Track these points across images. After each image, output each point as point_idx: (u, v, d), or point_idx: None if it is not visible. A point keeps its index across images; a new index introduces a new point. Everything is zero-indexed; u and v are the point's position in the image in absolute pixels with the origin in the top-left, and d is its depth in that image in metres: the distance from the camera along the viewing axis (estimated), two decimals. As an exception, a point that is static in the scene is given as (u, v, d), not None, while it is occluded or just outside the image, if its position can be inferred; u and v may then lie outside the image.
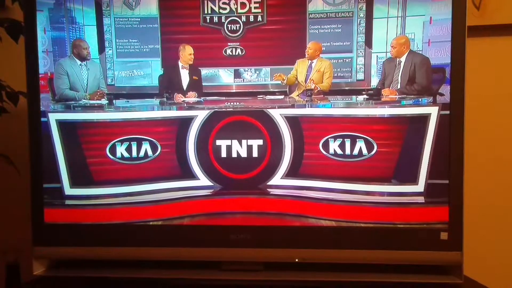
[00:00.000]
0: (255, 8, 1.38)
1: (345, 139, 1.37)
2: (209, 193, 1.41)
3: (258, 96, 1.42)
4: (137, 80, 1.44)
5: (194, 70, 1.43)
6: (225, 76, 1.42)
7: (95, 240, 1.40)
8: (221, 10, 1.38)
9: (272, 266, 1.39)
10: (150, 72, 1.43)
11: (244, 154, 1.39)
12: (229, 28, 1.39)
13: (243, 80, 1.42)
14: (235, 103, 1.40)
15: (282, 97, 1.42)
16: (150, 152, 1.41)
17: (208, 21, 1.39)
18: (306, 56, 1.39)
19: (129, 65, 1.43)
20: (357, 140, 1.36)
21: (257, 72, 1.41)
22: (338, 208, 1.38)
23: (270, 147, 1.39)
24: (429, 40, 1.34)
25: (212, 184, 1.41)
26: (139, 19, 1.41)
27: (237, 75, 1.42)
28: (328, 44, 1.38)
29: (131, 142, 1.41)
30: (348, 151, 1.37)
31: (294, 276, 1.37)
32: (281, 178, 1.39)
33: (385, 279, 1.34)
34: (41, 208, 1.41)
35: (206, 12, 1.39)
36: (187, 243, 1.38)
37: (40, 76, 1.40)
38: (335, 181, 1.38)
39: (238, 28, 1.39)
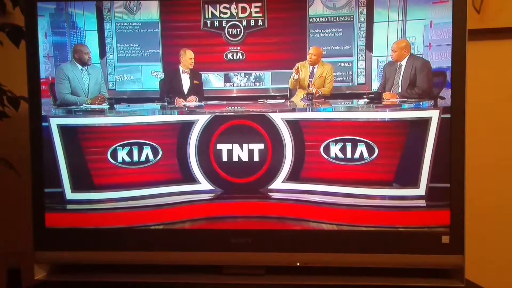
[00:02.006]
0: (255, 12, 1.38)
1: (346, 143, 1.37)
2: (210, 197, 1.41)
3: (259, 100, 1.42)
4: (127, 84, 1.43)
5: (194, 74, 1.43)
6: (215, 81, 1.42)
7: (97, 244, 1.40)
8: (221, 15, 1.39)
9: (274, 270, 1.39)
10: (141, 77, 1.43)
11: (245, 158, 1.39)
12: (230, 33, 1.39)
13: (233, 84, 1.41)
14: (236, 107, 1.40)
15: (283, 101, 1.42)
16: (151, 157, 1.41)
17: (208, 25, 1.39)
18: (309, 62, 1.39)
19: (119, 69, 1.43)
20: (358, 143, 1.36)
21: (247, 76, 1.41)
22: (339, 212, 1.37)
23: (271, 151, 1.39)
24: (430, 44, 1.34)
25: (213, 188, 1.41)
26: (140, 24, 1.41)
27: (227, 79, 1.42)
28: (329, 48, 1.38)
29: (132, 147, 1.41)
30: (349, 155, 1.37)
31: (295, 280, 1.36)
32: (282, 182, 1.39)
33: (387, 283, 1.34)
34: (42, 212, 1.41)
35: (206, 16, 1.39)
36: (188, 247, 1.38)
37: (41, 81, 1.40)
38: (336, 185, 1.38)
39: (238, 33, 1.39)
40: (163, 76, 1.43)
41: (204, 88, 1.43)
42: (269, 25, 1.38)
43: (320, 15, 1.37)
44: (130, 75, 1.42)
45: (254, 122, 1.38)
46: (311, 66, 1.39)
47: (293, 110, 1.40)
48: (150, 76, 1.42)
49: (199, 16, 1.39)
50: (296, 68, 1.39)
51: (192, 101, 1.43)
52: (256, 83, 1.41)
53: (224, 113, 1.39)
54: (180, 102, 1.43)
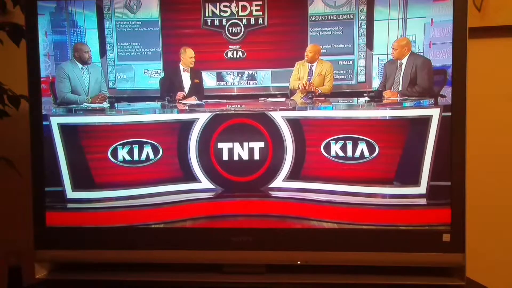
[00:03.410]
0: (256, 11, 1.38)
1: (347, 141, 1.37)
2: (211, 196, 1.41)
3: (259, 99, 1.42)
4: (120, 83, 1.43)
5: (195, 73, 1.43)
6: (207, 79, 1.42)
7: (97, 243, 1.40)
8: (222, 13, 1.39)
9: (274, 268, 1.39)
10: (133, 76, 1.43)
11: (245, 156, 1.39)
12: (230, 31, 1.39)
13: (226, 83, 1.41)
14: (236, 106, 1.40)
15: (283, 99, 1.42)
16: (151, 155, 1.41)
17: (209, 24, 1.39)
18: (306, 59, 1.38)
19: (119, 68, 1.42)
20: (359, 142, 1.36)
21: (240, 75, 1.41)
22: (340, 210, 1.37)
23: (271, 150, 1.39)
24: (430, 42, 1.34)
25: (213, 187, 1.41)
26: (140, 22, 1.41)
27: (219, 78, 1.41)
28: (329, 46, 1.38)
29: (133, 145, 1.41)
30: (349, 153, 1.37)
31: (296, 278, 1.36)
32: (282, 181, 1.39)
33: (388, 281, 1.34)
34: (43, 211, 1.41)
35: (207, 15, 1.39)
36: (189, 245, 1.38)
37: (41, 79, 1.40)
38: (337, 183, 1.38)
39: (239, 31, 1.39)
40: (163, 74, 1.43)
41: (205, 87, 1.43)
42: (269, 24, 1.38)
43: (321, 13, 1.37)
44: (123, 73, 1.42)
45: (255, 120, 1.38)
46: (309, 64, 1.39)
47: (294, 108, 1.40)
48: (143, 75, 1.42)
49: (199, 14, 1.39)
50: (302, 87, 1.39)
51: (190, 101, 1.43)
52: (248, 81, 1.41)
53: (225, 112, 1.39)
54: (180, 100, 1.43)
